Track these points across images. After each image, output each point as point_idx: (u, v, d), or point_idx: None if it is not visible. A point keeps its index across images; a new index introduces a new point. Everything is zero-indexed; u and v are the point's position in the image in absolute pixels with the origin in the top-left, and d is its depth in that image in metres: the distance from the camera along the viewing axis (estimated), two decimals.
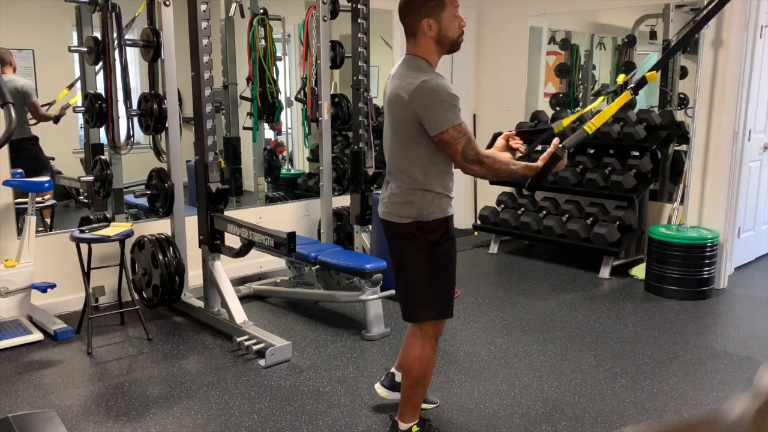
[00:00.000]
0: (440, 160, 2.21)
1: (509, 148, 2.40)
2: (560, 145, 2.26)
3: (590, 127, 2.41)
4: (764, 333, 3.74)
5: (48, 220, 4.21)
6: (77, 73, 4.29)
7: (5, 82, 2.07)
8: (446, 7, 2.15)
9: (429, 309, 2.33)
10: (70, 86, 4.27)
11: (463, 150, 2.12)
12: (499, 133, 2.39)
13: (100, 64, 3.87)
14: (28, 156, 4.07)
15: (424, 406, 2.78)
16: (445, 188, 2.27)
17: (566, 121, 2.53)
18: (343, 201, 4.71)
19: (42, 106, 4.17)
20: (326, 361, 3.30)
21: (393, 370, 2.74)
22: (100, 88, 4.05)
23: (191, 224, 3.91)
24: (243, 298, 4.04)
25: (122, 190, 4.26)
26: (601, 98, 3.05)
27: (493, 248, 5.50)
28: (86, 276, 3.53)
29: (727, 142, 4.48)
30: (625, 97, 2.53)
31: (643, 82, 2.74)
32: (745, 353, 3.42)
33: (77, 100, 4.24)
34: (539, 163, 2.25)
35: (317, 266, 3.96)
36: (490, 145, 2.35)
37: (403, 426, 2.44)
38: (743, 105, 4.45)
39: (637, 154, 4.93)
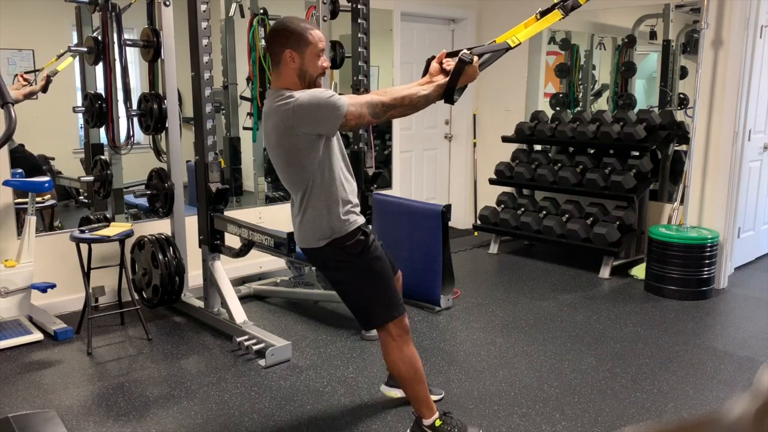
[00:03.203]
0: (330, 170, 2.26)
1: (444, 71, 2.29)
2: (467, 51, 2.20)
3: (513, 41, 2.29)
4: (764, 333, 3.74)
5: (47, 221, 4.19)
6: (77, 72, 4.28)
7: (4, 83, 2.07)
8: (309, 46, 2.23)
9: (381, 313, 2.38)
10: (59, 57, 4.21)
11: (371, 114, 2.17)
12: (432, 58, 2.31)
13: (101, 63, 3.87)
14: (17, 164, 4.02)
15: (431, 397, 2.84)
16: (346, 195, 2.31)
17: (519, 32, 2.34)
18: None
19: (27, 73, 4.07)
20: (326, 361, 3.30)
21: None
22: (100, 88, 4.05)
23: (191, 224, 3.91)
24: (243, 298, 4.04)
25: (122, 190, 4.26)
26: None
27: (493, 248, 5.50)
28: (86, 276, 3.52)
29: (727, 142, 4.48)
30: (554, 15, 2.41)
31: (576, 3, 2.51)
32: (745, 353, 3.42)
33: (64, 66, 4.18)
34: (434, 66, 2.23)
35: None
36: (425, 72, 2.31)
37: (426, 421, 2.47)
38: (743, 105, 4.45)
39: (637, 154, 4.92)
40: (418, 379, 2.44)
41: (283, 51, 2.22)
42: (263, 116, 2.32)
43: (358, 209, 2.38)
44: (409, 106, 2.20)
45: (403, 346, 2.39)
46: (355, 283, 2.37)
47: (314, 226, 2.30)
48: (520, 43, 2.32)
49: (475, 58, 2.20)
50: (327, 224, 2.28)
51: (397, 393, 2.82)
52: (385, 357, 2.46)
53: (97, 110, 3.93)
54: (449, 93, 2.21)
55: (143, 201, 4.05)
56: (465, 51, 2.20)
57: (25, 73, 4.05)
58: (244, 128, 4.99)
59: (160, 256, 3.75)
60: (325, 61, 2.28)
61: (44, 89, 4.02)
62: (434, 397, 2.84)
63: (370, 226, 2.47)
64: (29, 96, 3.99)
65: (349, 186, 2.35)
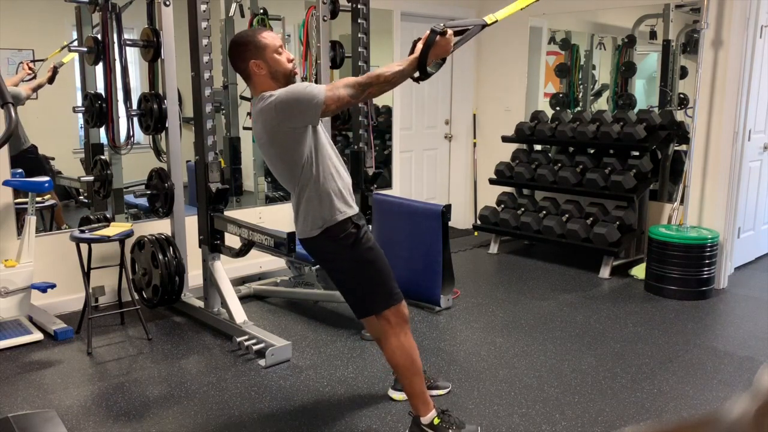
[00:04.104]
0: (319, 163, 2.33)
1: None
2: (441, 24, 2.21)
3: (489, 18, 2.31)
4: (764, 333, 3.74)
5: (47, 220, 4.19)
6: (77, 72, 4.29)
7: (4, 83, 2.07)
8: (267, 48, 2.32)
9: (377, 300, 2.44)
10: (62, 48, 4.21)
11: (349, 95, 2.23)
12: (418, 39, 2.29)
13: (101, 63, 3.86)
14: (31, 165, 4.03)
15: (438, 392, 2.87)
16: (336, 186, 2.37)
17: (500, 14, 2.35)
18: None
19: (33, 61, 4.07)
20: (326, 361, 3.30)
21: None
22: (100, 88, 4.05)
23: (191, 224, 3.91)
24: (243, 298, 4.04)
25: (122, 190, 4.26)
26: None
27: (493, 248, 5.50)
28: (86, 276, 3.52)
29: (727, 142, 4.48)
30: None
31: None
32: (745, 353, 3.42)
33: (69, 59, 4.18)
34: (419, 46, 2.24)
35: (317, 266, 3.96)
36: (411, 52, 2.33)
37: (424, 420, 2.47)
38: (743, 105, 4.45)
39: (637, 154, 4.92)
40: (415, 372, 2.46)
41: (248, 64, 2.32)
42: (252, 122, 2.40)
43: (351, 200, 2.44)
44: (384, 82, 2.24)
45: (400, 334, 2.43)
46: (351, 273, 2.44)
47: (309, 216, 2.38)
48: (496, 21, 2.34)
49: (449, 31, 2.21)
50: (319, 213, 2.36)
51: (402, 396, 2.81)
52: (383, 347, 2.49)
53: (97, 110, 3.93)
54: (422, 65, 2.21)
55: (143, 201, 4.05)
56: (439, 24, 2.22)
57: (30, 62, 4.05)
58: (244, 128, 4.99)
59: (160, 256, 3.75)
60: (288, 55, 2.36)
61: (51, 80, 4.03)
62: (441, 391, 2.90)
63: (364, 221, 2.49)
64: (38, 89, 4.01)
65: (339, 178, 2.41)
